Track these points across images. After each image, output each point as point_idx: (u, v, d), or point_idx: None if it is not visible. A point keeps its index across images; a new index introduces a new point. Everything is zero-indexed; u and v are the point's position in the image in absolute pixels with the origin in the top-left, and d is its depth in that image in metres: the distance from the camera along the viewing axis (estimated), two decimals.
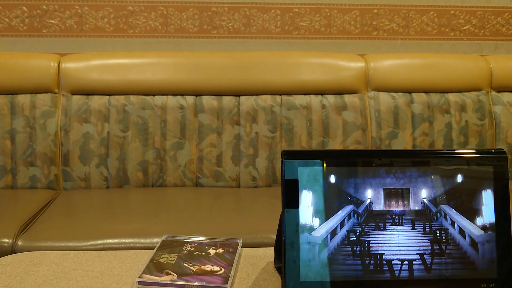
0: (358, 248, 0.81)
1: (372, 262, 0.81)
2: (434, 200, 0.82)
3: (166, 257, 0.95)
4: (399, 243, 0.82)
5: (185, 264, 0.93)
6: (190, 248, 1.00)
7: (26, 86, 1.90)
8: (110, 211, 1.65)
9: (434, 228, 0.82)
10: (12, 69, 1.90)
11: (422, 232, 0.82)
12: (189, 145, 1.90)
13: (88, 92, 1.91)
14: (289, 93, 1.96)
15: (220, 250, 0.99)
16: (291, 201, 0.81)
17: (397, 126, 1.96)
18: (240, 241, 1.03)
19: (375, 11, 2.25)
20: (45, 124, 1.88)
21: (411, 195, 0.82)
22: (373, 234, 0.81)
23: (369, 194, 0.82)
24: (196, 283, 0.86)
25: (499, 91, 2.05)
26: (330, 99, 1.96)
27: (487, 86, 2.04)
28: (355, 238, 0.81)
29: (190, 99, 1.93)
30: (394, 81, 1.99)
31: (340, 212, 0.81)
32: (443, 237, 0.82)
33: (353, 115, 1.95)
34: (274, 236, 0.95)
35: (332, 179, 0.82)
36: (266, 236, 1.42)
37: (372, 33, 2.26)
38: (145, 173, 1.89)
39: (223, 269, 0.91)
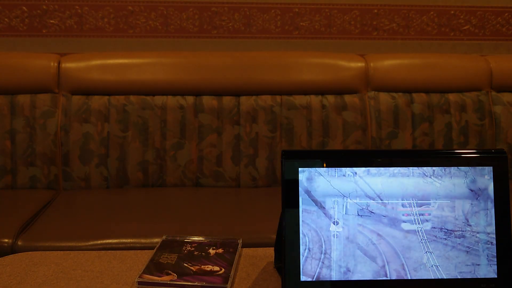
0: (359, 248, 0.81)
1: (372, 261, 0.81)
2: (434, 200, 0.82)
3: (166, 257, 0.95)
4: (399, 243, 0.82)
5: (185, 264, 0.93)
6: (190, 248, 1.00)
7: (26, 86, 1.90)
8: (110, 211, 1.65)
9: (433, 228, 0.82)
10: (12, 69, 1.90)
11: (422, 232, 0.82)
12: (189, 145, 1.90)
13: (88, 92, 1.91)
14: (289, 93, 1.96)
15: (220, 250, 0.99)
16: (291, 201, 0.81)
17: (397, 126, 1.96)
18: (240, 241, 1.03)
19: (375, 11, 2.25)
20: (45, 124, 1.88)
21: (411, 195, 0.82)
22: (373, 234, 0.81)
23: (369, 194, 0.82)
24: (196, 283, 0.86)
25: (499, 91, 2.05)
26: (330, 99, 1.96)
27: (487, 86, 2.04)
28: (355, 238, 0.81)
29: (190, 99, 1.93)
30: (394, 81, 1.99)
31: (340, 212, 0.81)
32: (442, 237, 0.82)
33: (353, 115, 1.95)
34: (274, 236, 0.95)
35: (332, 179, 0.82)
36: (266, 236, 1.42)
37: (372, 33, 2.26)
38: (145, 173, 1.89)
39: (223, 269, 0.91)
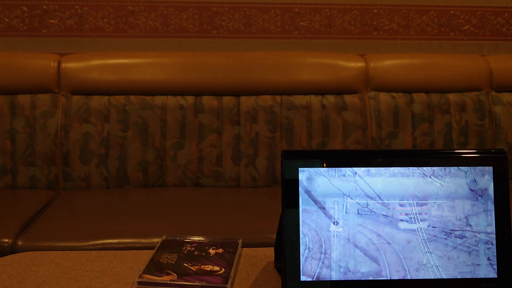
0: (359, 248, 0.81)
1: (372, 261, 0.81)
2: (433, 200, 0.82)
3: (166, 257, 0.95)
4: (399, 243, 0.82)
5: (185, 264, 0.93)
6: (190, 248, 1.00)
7: (26, 86, 1.90)
8: (110, 211, 1.65)
9: (434, 228, 0.82)
10: (12, 69, 1.90)
11: (422, 232, 0.82)
12: (189, 145, 1.90)
13: (88, 92, 1.91)
14: (289, 93, 1.96)
15: (220, 250, 0.99)
16: (291, 201, 0.81)
17: (397, 126, 1.96)
18: (240, 241, 1.03)
19: (375, 11, 2.25)
20: (45, 124, 1.88)
21: (411, 195, 0.82)
22: (373, 234, 0.81)
23: (369, 194, 0.82)
24: (196, 283, 0.86)
25: (499, 91, 2.05)
26: (330, 99, 1.96)
27: (487, 86, 2.04)
28: (355, 238, 0.81)
29: (190, 99, 1.93)
30: (394, 81, 1.99)
31: (340, 212, 0.81)
32: (443, 237, 0.82)
33: (353, 115, 1.95)
34: (274, 236, 0.95)
35: (332, 179, 0.82)
36: (266, 236, 1.42)
37: (372, 33, 2.26)
38: (145, 173, 1.89)
39: (223, 269, 0.91)
